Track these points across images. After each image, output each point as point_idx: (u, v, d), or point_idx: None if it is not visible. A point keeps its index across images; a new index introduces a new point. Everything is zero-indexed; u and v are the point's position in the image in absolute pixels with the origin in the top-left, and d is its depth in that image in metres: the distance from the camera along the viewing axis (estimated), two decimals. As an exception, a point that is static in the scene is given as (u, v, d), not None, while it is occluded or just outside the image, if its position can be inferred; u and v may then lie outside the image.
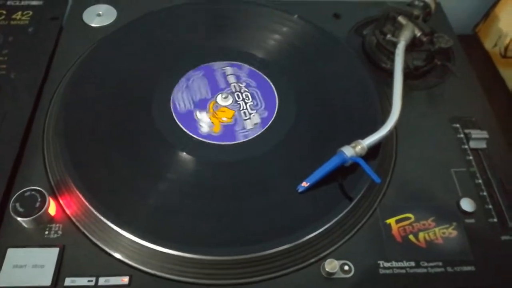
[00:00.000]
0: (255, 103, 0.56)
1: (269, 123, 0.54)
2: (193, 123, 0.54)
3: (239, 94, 0.57)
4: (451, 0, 0.75)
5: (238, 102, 0.56)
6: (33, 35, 0.62)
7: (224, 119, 0.54)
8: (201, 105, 0.55)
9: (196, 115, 0.54)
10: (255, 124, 0.54)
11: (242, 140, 0.52)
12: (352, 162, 0.47)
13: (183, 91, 0.56)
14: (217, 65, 0.60)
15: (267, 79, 0.58)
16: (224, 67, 0.59)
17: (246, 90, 0.57)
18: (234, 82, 0.58)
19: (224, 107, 0.55)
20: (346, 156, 0.47)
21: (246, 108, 0.55)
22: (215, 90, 0.57)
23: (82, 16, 0.66)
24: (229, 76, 0.58)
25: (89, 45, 0.61)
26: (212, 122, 0.53)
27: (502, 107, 0.68)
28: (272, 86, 0.58)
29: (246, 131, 0.53)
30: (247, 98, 0.56)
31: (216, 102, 0.56)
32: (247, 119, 0.54)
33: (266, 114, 0.55)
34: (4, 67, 0.58)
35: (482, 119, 0.57)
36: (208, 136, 0.52)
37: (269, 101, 0.56)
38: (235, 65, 0.60)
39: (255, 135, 0.53)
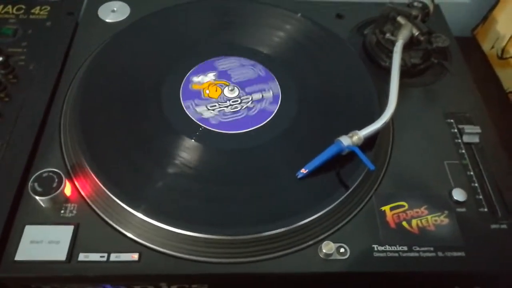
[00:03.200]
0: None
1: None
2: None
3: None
4: (451, 4, 0.78)
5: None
6: (51, 29, 0.65)
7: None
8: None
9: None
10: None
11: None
12: (349, 151, 0.50)
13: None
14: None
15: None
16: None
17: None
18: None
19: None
20: (343, 145, 0.49)
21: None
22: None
23: (97, 11, 0.69)
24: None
25: (103, 39, 0.64)
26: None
27: (497, 106, 0.71)
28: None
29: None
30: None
31: (223, 92, 0.59)
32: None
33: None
34: (23, 58, 0.61)
35: (476, 115, 0.60)
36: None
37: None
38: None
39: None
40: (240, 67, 0.62)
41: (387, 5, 0.62)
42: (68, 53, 0.63)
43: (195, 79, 0.60)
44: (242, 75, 0.61)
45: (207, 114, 0.56)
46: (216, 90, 0.59)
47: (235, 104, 0.58)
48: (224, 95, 0.58)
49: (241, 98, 0.58)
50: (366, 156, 0.49)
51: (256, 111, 0.57)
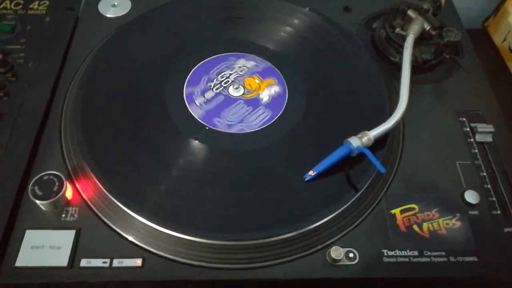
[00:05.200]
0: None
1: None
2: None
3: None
4: (461, -5, 0.76)
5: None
6: (50, 24, 0.64)
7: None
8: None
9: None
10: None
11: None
12: (358, 153, 0.48)
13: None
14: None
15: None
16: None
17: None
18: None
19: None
20: (352, 146, 0.48)
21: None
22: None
23: (97, 6, 0.67)
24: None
25: (104, 35, 0.63)
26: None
27: (509, 101, 0.69)
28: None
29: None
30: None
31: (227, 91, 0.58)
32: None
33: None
34: (21, 55, 0.60)
35: (489, 113, 0.58)
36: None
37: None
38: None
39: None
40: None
41: (397, -2, 0.60)
42: (68, 49, 0.62)
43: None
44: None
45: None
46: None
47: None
48: (229, 94, 0.57)
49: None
50: (376, 157, 0.47)
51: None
